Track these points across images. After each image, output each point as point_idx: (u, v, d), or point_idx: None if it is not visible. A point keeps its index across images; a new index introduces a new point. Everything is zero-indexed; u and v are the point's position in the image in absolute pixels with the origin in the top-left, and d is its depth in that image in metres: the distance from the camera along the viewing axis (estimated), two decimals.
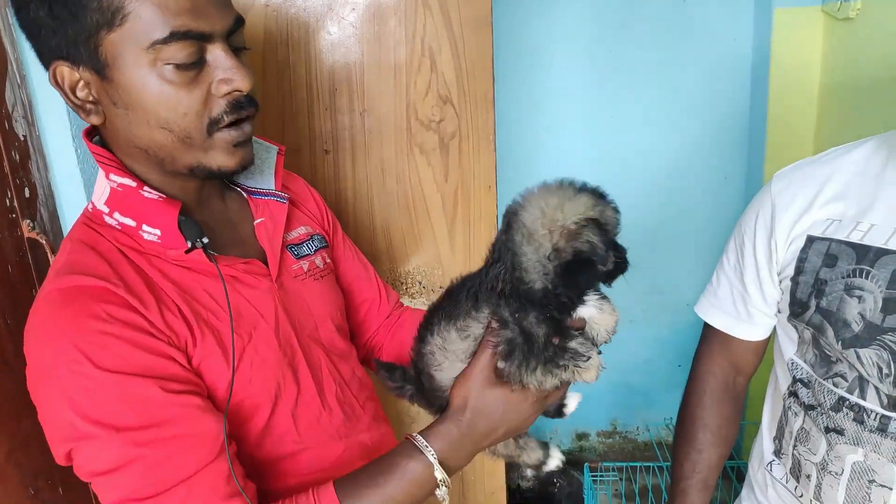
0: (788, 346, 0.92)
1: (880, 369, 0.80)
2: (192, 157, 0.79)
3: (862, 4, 1.84)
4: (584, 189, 0.71)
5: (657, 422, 2.01)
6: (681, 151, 2.41)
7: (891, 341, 0.78)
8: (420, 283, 1.58)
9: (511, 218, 0.74)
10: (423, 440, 0.78)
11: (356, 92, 1.43)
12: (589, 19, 2.30)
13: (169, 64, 0.73)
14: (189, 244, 0.79)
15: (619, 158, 2.40)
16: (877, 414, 0.82)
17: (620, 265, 0.71)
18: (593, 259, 0.67)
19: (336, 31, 1.40)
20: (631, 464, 1.78)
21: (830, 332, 0.83)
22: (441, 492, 0.78)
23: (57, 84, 0.77)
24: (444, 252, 1.54)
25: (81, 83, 0.76)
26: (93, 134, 0.86)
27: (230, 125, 0.79)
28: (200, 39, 0.74)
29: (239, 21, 0.79)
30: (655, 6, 2.26)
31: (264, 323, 0.86)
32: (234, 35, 0.79)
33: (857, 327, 0.81)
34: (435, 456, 0.77)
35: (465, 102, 1.45)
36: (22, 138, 1.22)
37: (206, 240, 0.81)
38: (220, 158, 0.80)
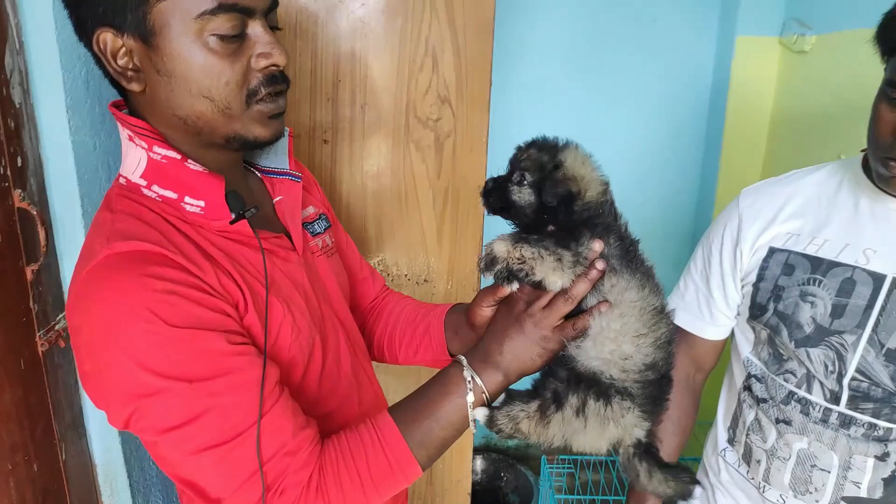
0: (745, 345, 1.03)
1: (826, 366, 0.91)
2: (229, 128, 0.82)
3: (816, 40, 2.00)
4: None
5: None
6: (640, 162, 2.54)
7: (836, 342, 0.90)
8: (405, 275, 1.61)
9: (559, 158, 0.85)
10: (470, 369, 0.83)
11: (359, 85, 1.45)
12: (560, 35, 2.39)
13: (214, 35, 0.76)
14: (234, 215, 0.82)
15: None
16: (820, 406, 0.93)
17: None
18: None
19: (344, 23, 1.42)
20: (586, 457, 1.87)
21: (785, 333, 0.94)
22: (479, 415, 0.83)
23: (99, 51, 0.78)
24: (432, 246, 1.59)
25: (123, 50, 0.78)
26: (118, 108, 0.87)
27: (266, 98, 0.82)
28: (244, 13, 0.77)
29: (275, 2, 0.83)
30: (626, 25, 2.37)
31: (298, 294, 0.90)
32: (270, 15, 0.83)
33: (808, 329, 0.92)
34: (482, 384, 0.82)
35: (462, 103, 1.49)
36: (17, 106, 1.18)
37: (255, 210, 0.84)
38: (256, 129, 0.83)
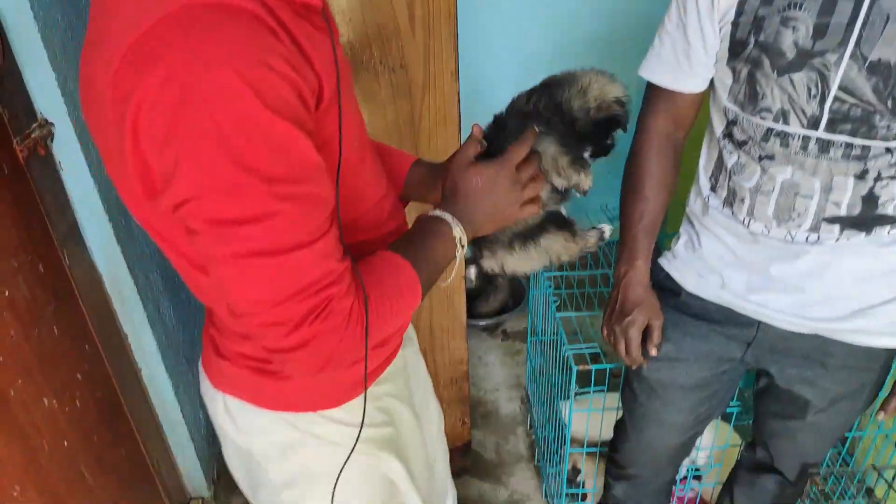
0: (723, 92, 1.03)
1: (809, 90, 0.92)
2: None
3: None
4: (619, 81, 1.01)
5: (596, 212, 2.14)
6: None
7: (818, 64, 0.91)
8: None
9: (565, 76, 0.99)
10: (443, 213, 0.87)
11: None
12: None
13: None
14: None
15: None
16: (799, 135, 0.96)
17: (613, 144, 1.01)
18: (620, 120, 0.98)
19: None
20: (573, 273, 1.97)
21: (767, 63, 0.94)
22: (460, 252, 0.87)
23: None
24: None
25: None
26: None
27: None
28: None
29: None
30: None
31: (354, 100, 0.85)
32: None
33: (790, 55, 0.92)
34: (456, 222, 0.86)
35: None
36: None
37: None
38: None
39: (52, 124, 1.23)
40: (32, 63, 1.18)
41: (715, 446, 1.66)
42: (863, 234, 1.00)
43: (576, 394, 1.50)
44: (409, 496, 1.05)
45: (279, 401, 0.90)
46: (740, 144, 1.03)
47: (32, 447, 1.15)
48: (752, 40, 0.95)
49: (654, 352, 1.16)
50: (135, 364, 1.57)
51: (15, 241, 1.13)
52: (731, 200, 1.07)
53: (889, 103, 0.89)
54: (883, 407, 1.14)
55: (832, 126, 0.93)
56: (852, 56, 0.89)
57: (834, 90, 0.91)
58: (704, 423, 1.32)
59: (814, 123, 0.94)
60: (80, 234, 1.36)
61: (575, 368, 1.44)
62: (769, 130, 0.98)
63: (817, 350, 1.12)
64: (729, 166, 1.06)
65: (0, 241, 1.09)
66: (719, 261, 1.13)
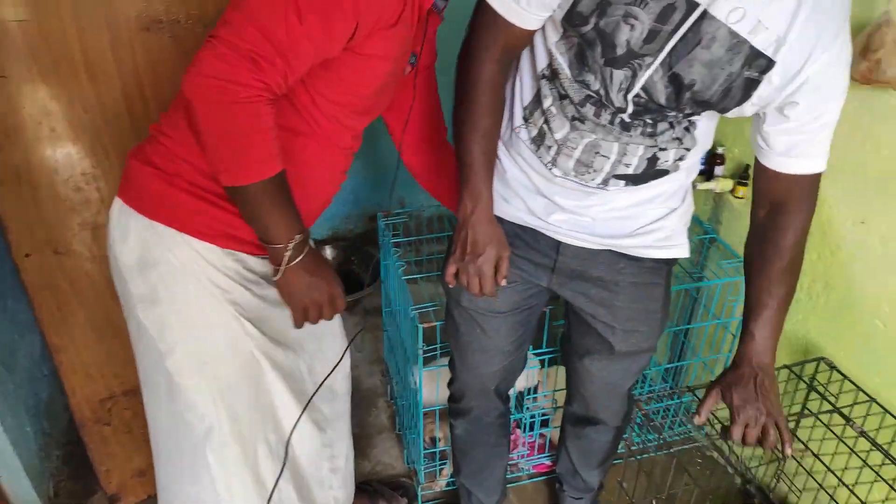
0: (552, 34, 1.04)
1: (621, 84, 0.99)
2: None
3: None
4: None
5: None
6: None
7: (636, 63, 0.96)
8: None
9: None
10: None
11: None
12: None
13: None
14: None
15: None
16: (611, 110, 1.03)
17: None
18: None
19: None
20: (420, 237, 2.01)
21: (598, 50, 0.97)
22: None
23: None
24: None
25: None
26: None
27: None
28: None
29: None
30: None
31: None
32: None
33: (620, 51, 0.95)
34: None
35: None
36: None
37: None
38: None
39: None
40: None
41: (556, 388, 1.76)
42: (641, 184, 1.12)
43: (425, 354, 1.53)
44: (271, 374, 1.16)
45: (185, 222, 1.05)
46: (560, 97, 1.07)
47: None
48: (593, 22, 0.95)
49: (504, 282, 1.18)
50: None
51: None
52: (539, 142, 1.12)
53: (676, 108, 0.99)
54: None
55: (635, 115, 1.02)
56: (662, 63, 0.94)
57: (636, 88, 0.98)
58: (522, 348, 1.41)
59: (621, 109, 1.02)
60: None
61: (420, 327, 1.47)
62: (588, 97, 1.04)
63: (611, 269, 1.22)
64: (545, 109, 1.10)
65: None
66: (522, 187, 1.20)
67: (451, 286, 1.22)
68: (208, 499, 1.16)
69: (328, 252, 2.90)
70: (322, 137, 1.09)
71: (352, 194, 2.92)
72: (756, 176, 1.10)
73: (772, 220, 1.09)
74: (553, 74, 1.08)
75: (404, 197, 2.98)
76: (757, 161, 1.08)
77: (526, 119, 1.14)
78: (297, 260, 1.03)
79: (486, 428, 1.54)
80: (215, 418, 1.11)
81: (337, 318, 1.33)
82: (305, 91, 1.03)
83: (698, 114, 1.04)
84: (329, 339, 1.32)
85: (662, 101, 0.98)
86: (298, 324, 1.09)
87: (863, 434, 1.35)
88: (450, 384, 1.52)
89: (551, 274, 1.25)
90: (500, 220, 1.20)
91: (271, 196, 0.98)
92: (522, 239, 1.24)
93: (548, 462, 1.87)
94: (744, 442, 1.08)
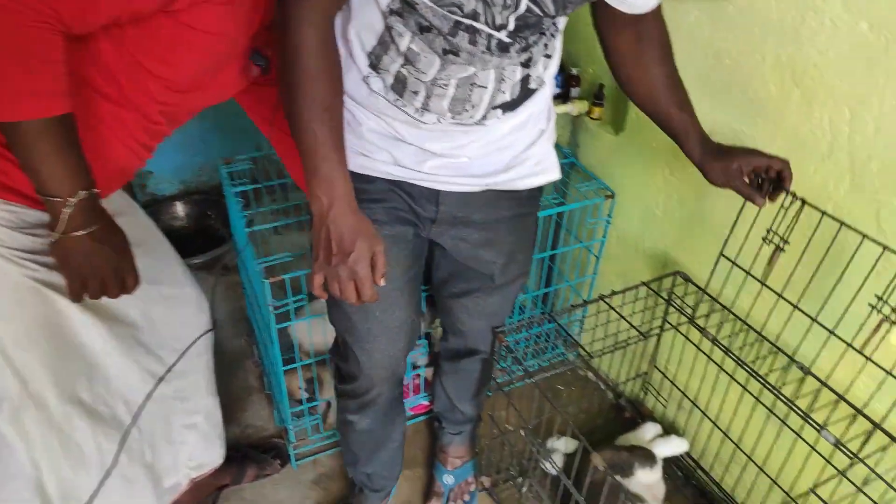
0: None
1: (505, 1, 0.89)
2: None
3: None
4: None
5: None
6: None
7: None
8: None
9: None
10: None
11: None
12: None
13: None
14: None
15: None
16: (487, 34, 0.92)
17: None
18: None
19: None
20: (271, 182, 1.85)
21: None
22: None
23: None
24: None
25: None
26: None
27: None
28: None
29: None
30: None
31: None
32: None
33: None
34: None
35: None
36: None
37: None
38: None
39: None
40: None
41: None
42: (517, 111, 1.06)
43: (290, 307, 1.41)
44: (77, 315, 1.04)
45: None
46: (422, 30, 0.92)
47: None
48: None
49: (382, 282, 0.98)
50: None
51: None
52: (400, 89, 0.99)
53: (559, 9, 0.93)
54: None
55: (514, 32, 0.93)
56: None
57: (525, 4, 0.90)
58: (419, 304, 1.30)
59: (499, 28, 0.92)
60: None
61: (267, 283, 1.34)
62: (458, 24, 0.91)
63: (492, 210, 1.17)
64: (402, 50, 0.95)
65: None
66: (384, 138, 1.07)
67: (323, 299, 1.03)
68: (17, 472, 1.04)
69: (179, 208, 2.67)
70: (123, 101, 0.97)
71: (201, 142, 2.67)
72: (603, 25, 1.13)
73: (636, 45, 1.12)
74: (406, 6, 0.91)
75: (261, 142, 2.76)
76: (602, 19, 1.12)
77: (374, 66, 0.99)
78: (86, 230, 0.91)
79: (393, 407, 1.40)
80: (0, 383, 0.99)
81: (180, 264, 1.26)
82: (114, 48, 0.93)
83: (567, 14, 0.98)
84: (168, 285, 1.22)
85: (551, 8, 0.91)
86: (73, 296, 0.96)
87: (714, 342, 1.39)
88: (345, 380, 1.32)
89: (431, 225, 1.17)
90: (367, 178, 1.09)
91: (52, 139, 0.85)
92: (397, 194, 1.12)
93: (425, 402, 1.83)
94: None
